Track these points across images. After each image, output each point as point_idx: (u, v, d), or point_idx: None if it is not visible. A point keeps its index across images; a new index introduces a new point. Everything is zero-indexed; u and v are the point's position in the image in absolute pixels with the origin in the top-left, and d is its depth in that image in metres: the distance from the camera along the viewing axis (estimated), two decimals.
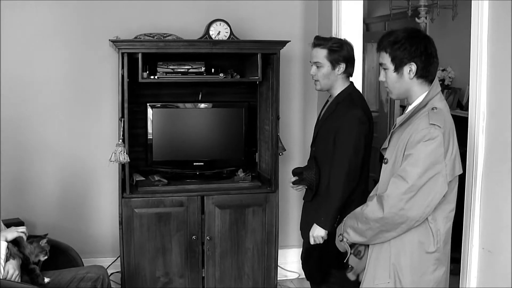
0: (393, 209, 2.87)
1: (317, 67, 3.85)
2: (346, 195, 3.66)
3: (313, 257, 3.97)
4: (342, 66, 3.83)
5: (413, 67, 2.95)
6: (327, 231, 3.66)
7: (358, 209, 3.12)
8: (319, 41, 3.87)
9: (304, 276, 4.32)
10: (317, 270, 4.00)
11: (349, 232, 3.12)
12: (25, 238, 3.74)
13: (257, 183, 4.95)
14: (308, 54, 5.19)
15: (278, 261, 5.02)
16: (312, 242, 3.75)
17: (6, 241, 3.62)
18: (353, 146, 3.67)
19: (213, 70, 4.88)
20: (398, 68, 2.99)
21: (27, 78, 5.08)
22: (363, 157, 3.75)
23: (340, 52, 3.82)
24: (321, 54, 3.83)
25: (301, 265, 4.26)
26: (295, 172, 4.01)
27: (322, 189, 3.83)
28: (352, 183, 3.69)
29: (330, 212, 3.65)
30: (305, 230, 4.04)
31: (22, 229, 3.75)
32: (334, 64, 3.81)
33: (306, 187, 4.01)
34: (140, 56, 4.53)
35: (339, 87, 3.88)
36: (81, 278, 3.97)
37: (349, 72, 3.89)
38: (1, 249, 3.57)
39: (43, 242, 3.83)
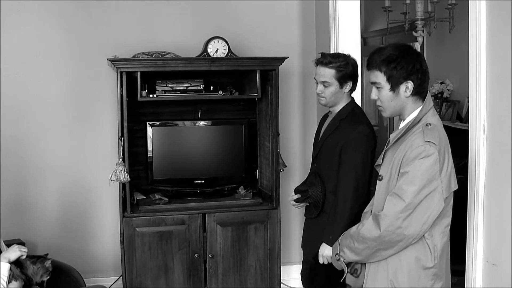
0: (390, 227, 2.86)
1: (325, 86, 3.77)
2: (354, 212, 3.59)
3: (319, 275, 3.93)
4: (349, 84, 3.79)
5: (410, 85, 2.94)
6: None
7: (354, 228, 3.10)
8: (326, 59, 3.76)
9: None
10: (320, 286, 3.97)
11: (345, 251, 3.11)
12: (24, 256, 3.72)
13: (259, 199, 4.93)
14: (308, 69, 5.27)
15: (281, 278, 4.99)
16: (321, 261, 3.69)
17: (9, 262, 3.60)
18: (361, 162, 3.63)
19: (212, 87, 4.89)
20: (394, 87, 2.95)
21: (26, 98, 5.09)
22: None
23: (347, 70, 3.76)
24: (328, 73, 3.75)
25: (301, 282, 4.24)
26: (299, 190, 3.96)
27: (328, 206, 3.79)
28: (360, 200, 3.62)
29: (338, 230, 3.54)
30: (308, 248, 4.01)
31: (24, 248, 3.73)
32: (342, 82, 3.76)
33: (308, 204, 3.97)
34: (138, 74, 4.53)
35: (342, 103, 3.84)
36: None
37: (353, 88, 3.86)
38: (4, 270, 3.55)
39: (48, 263, 3.80)
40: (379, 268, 3.01)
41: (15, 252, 3.67)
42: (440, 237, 2.96)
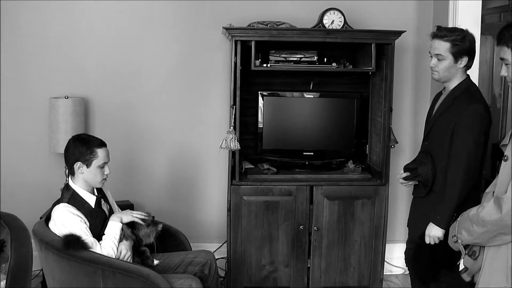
0: None
1: (438, 59, 3.67)
2: (464, 193, 3.51)
3: (425, 256, 3.85)
4: (464, 60, 3.66)
5: None
6: (444, 231, 3.53)
7: (474, 210, 2.99)
8: (442, 33, 3.66)
9: (408, 273, 4.23)
10: (428, 269, 3.88)
11: (463, 233, 3.01)
12: (138, 220, 3.80)
13: (367, 175, 4.87)
14: (423, 44, 5.15)
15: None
16: (427, 241, 3.63)
17: (121, 222, 3.70)
18: (474, 142, 3.52)
19: (325, 59, 4.84)
20: None
21: (139, 65, 5.20)
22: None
23: (463, 45, 3.63)
24: (443, 46, 3.64)
25: (405, 261, 4.17)
26: (408, 168, 3.88)
27: (437, 186, 3.70)
28: (471, 181, 3.53)
29: (447, 211, 3.51)
30: (414, 227, 3.95)
31: (137, 214, 3.82)
32: (457, 57, 3.64)
33: (417, 183, 3.89)
34: (253, 44, 4.54)
35: (456, 80, 3.72)
36: (189, 262, 4.03)
37: (469, 65, 3.73)
38: (117, 229, 3.65)
39: (160, 226, 3.88)
40: (499, 252, 2.90)
41: (127, 216, 3.78)
42: None
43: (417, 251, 3.93)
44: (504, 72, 2.94)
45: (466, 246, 3.08)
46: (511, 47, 2.84)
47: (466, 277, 3.11)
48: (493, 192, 3.01)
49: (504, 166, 2.94)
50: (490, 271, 2.93)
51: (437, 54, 3.68)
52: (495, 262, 2.91)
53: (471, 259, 3.04)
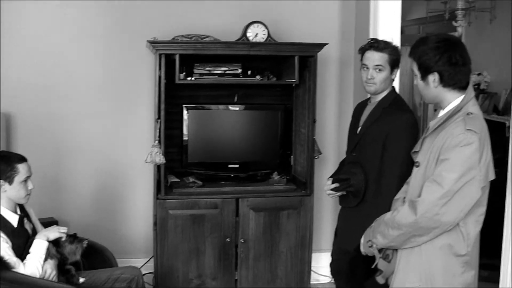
0: (427, 214, 2.87)
1: (379, 70, 3.73)
2: None
3: (361, 267, 3.87)
4: (396, 71, 3.79)
5: (436, 76, 2.95)
6: None
7: (388, 215, 3.11)
8: (380, 45, 3.75)
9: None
10: (364, 280, 3.92)
11: (378, 238, 3.13)
12: (64, 237, 3.75)
13: (292, 186, 4.92)
14: (345, 56, 5.25)
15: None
16: (362, 249, 3.67)
17: (48, 240, 3.63)
18: (405, 153, 3.55)
19: (249, 72, 4.88)
20: (424, 77, 3.00)
21: (63, 78, 5.11)
22: None
23: (397, 56, 3.77)
24: (383, 58, 3.72)
25: (330, 272, 4.21)
26: (339, 179, 3.90)
27: (369, 195, 3.74)
28: None
29: None
30: (345, 237, 3.95)
31: (63, 229, 3.76)
32: (392, 68, 3.75)
33: (345, 193, 3.93)
34: (177, 57, 4.53)
35: (384, 91, 3.82)
36: (115, 279, 3.98)
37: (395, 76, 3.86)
38: (42, 249, 3.59)
39: (85, 243, 3.84)
40: (413, 253, 3.02)
41: (54, 233, 3.71)
42: (474, 225, 2.97)
43: (352, 263, 3.95)
44: (415, 82, 3.10)
45: (380, 250, 3.17)
46: (417, 61, 3.01)
47: (380, 280, 3.23)
48: (403, 198, 3.12)
49: (416, 172, 3.06)
50: (404, 272, 3.06)
51: (377, 65, 3.73)
52: (409, 263, 3.04)
53: (385, 262, 3.15)
